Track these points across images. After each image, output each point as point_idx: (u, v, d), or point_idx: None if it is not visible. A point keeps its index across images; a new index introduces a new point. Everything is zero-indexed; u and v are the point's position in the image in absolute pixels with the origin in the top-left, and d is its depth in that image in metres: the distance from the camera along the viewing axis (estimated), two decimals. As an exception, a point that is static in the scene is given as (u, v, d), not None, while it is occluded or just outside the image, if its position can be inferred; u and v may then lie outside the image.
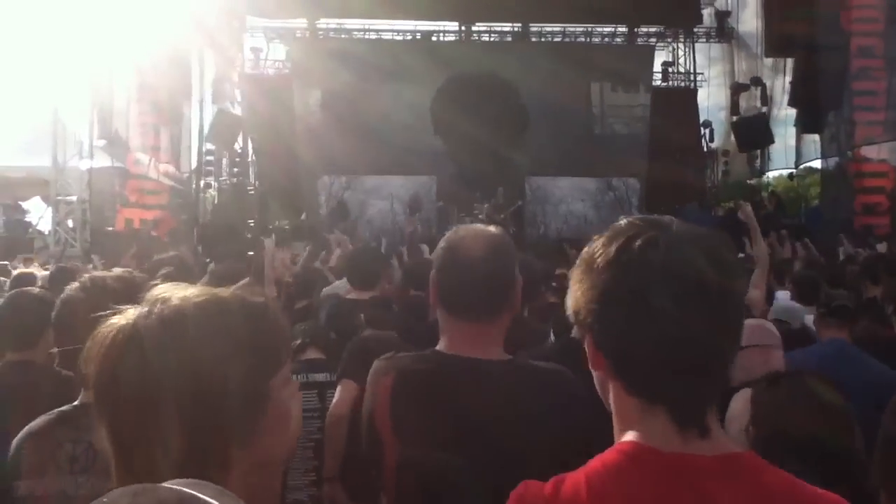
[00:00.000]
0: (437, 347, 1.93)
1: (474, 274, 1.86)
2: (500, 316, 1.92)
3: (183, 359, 1.07)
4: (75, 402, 2.02)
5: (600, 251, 1.14)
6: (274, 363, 1.16)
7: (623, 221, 1.18)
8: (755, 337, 2.93)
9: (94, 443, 1.92)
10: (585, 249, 1.19)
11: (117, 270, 2.34)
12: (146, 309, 1.12)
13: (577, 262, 1.20)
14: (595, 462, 1.15)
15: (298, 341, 3.93)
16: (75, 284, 2.07)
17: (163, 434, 1.06)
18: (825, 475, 1.82)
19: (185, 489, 0.73)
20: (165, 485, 0.74)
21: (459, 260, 1.89)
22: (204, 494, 0.73)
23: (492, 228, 1.99)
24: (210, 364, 1.08)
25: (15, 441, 2.01)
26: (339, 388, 3.61)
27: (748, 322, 3.37)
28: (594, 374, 1.23)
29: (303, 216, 18.11)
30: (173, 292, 1.14)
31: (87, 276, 2.14)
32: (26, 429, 2.02)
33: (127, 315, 1.13)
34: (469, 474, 1.73)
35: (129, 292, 1.98)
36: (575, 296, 1.18)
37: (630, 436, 1.14)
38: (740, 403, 2.60)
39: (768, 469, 1.13)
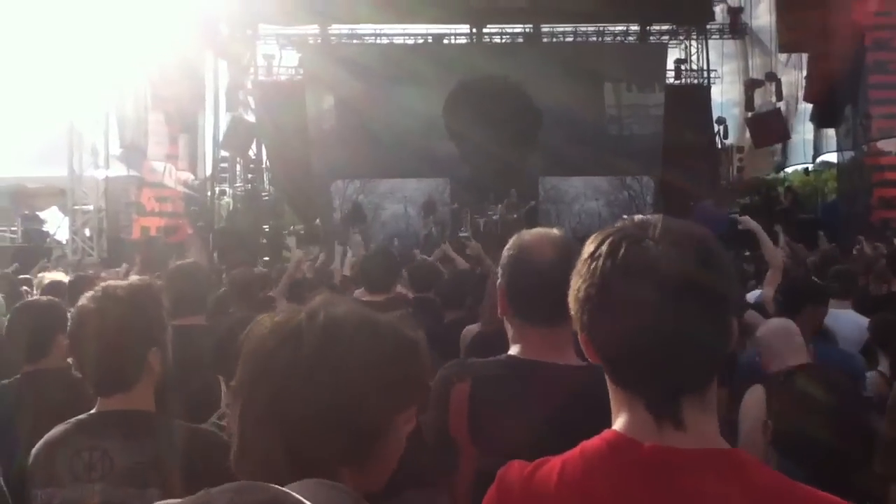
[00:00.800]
0: (512, 353, 1.91)
1: (546, 279, 1.82)
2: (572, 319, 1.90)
3: (330, 369, 1.11)
4: (92, 411, 2.02)
5: (588, 249, 1.20)
6: (407, 400, 1.19)
7: (618, 222, 1.22)
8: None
9: (109, 450, 1.94)
10: (583, 254, 1.23)
11: (133, 279, 2.36)
12: (311, 312, 1.16)
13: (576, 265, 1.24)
14: (577, 448, 1.19)
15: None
16: (88, 294, 2.09)
17: (283, 431, 1.09)
18: (838, 470, 1.81)
19: (284, 490, 0.75)
20: (275, 486, 0.76)
21: (529, 265, 1.87)
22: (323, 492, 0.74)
23: (555, 231, 1.97)
24: (352, 383, 1.11)
25: (34, 450, 2.02)
26: None
27: (772, 321, 3.36)
28: None
29: (317, 221, 18.18)
30: (336, 303, 1.18)
31: (100, 285, 2.15)
32: (45, 438, 2.03)
33: (294, 312, 1.17)
34: None
35: (138, 300, 2.00)
36: (571, 292, 1.22)
37: (616, 425, 1.19)
38: (754, 397, 2.60)
39: (751, 464, 1.14)
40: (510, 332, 1.94)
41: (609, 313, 1.15)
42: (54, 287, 5.68)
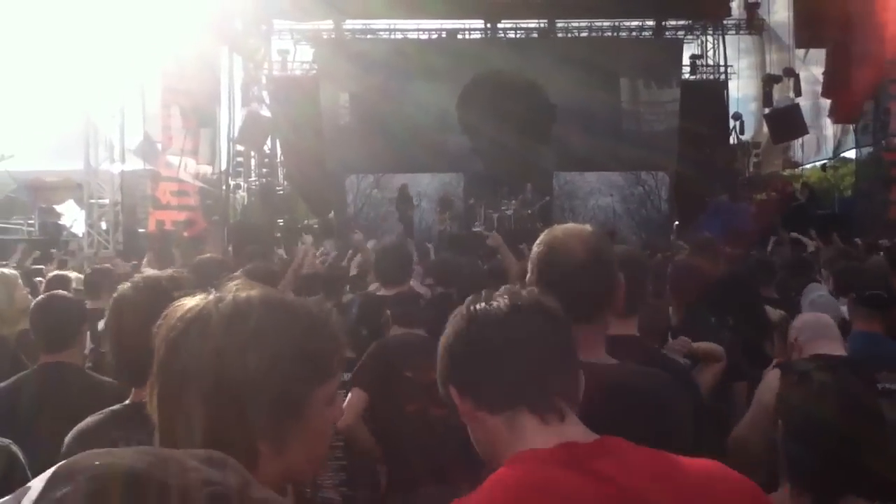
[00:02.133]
0: None
1: (579, 276, 1.81)
2: (604, 317, 1.88)
3: (238, 345, 1.11)
4: (126, 402, 2.04)
5: (449, 324, 1.46)
6: (320, 374, 1.19)
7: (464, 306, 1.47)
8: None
9: (143, 442, 1.95)
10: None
11: (167, 271, 2.36)
12: (220, 295, 1.18)
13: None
14: (479, 491, 1.24)
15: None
16: (128, 283, 2.11)
17: (198, 411, 1.10)
18: (852, 474, 1.79)
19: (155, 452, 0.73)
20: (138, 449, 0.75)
21: (562, 262, 1.85)
22: (207, 465, 0.73)
23: (587, 227, 1.94)
24: (259, 357, 1.12)
25: (67, 440, 2.03)
26: (348, 396, 3.53)
27: (804, 316, 3.34)
28: (470, 432, 1.39)
29: (331, 215, 18.21)
30: (249, 287, 1.20)
31: (139, 275, 2.16)
32: (78, 428, 2.03)
33: (202, 297, 1.18)
34: None
35: (178, 291, 2.00)
36: (439, 364, 1.42)
37: (510, 454, 1.28)
38: (768, 381, 2.63)
39: (637, 447, 1.29)
40: None
41: (478, 354, 1.36)
42: (59, 281, 5.74)
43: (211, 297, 1.18)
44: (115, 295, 2.08)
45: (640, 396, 1.78)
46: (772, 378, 2.80)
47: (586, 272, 1.82)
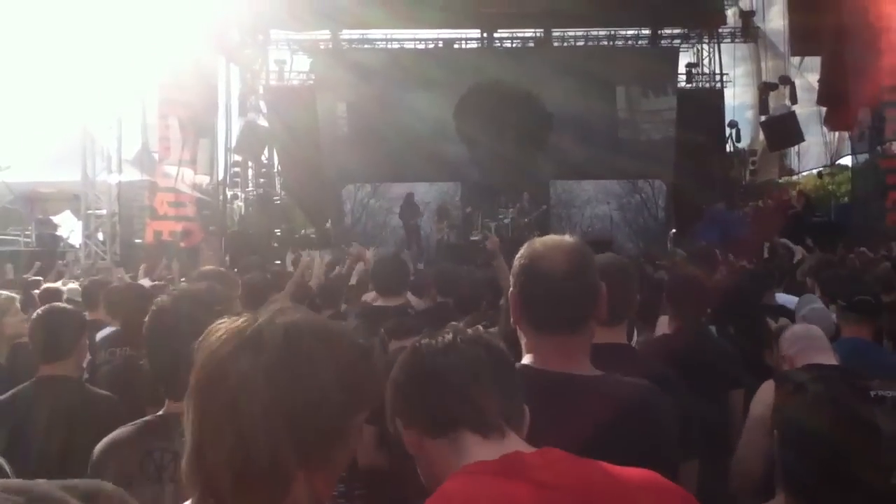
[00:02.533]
0: (524, 362, 1.89)
1: (559, 288, 1.82)
2: (588, 327, 1.89)
3: (291, 373, 1.12)
4: (160, 412, 2.04)
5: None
6: (362, 404, 1.21)
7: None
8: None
9: (180, 453, 1.95)
10: None
11: (203, 284, 2.36)
12: (267, 318, 1.17)
13: None
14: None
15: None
16: (165, 296, 2.12)
17: (242, 434, 1.10)
18: (847, 484, 1.79)
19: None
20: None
21: (542, 274, 1.85)
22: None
23: (568, 238, 1.94)
24: (310, 386, 1.13)
25: (98, 451, 2.02)
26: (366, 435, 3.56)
27: (794, 328, 3.34)
28: (418, 462, 1.45)
29: (328, 224, 18.21)
30: (293, 311, 1.21)
31: (177, 287, 2.17)
32: (110, 439, 2.04)
33: (249, 317, 1.18)
34: None
35: (216, 302, 1.99)
36: (389, 405, 1.47)
37: (453, 473, 1.31)
38: (762, 393, 2.63)
39: (575, 458, 1.35)
40: (523, 340, 1.92)
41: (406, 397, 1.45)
42: (51, 294, 5.74)
43: (258, 319, 1.17)
44: (153, 307, 2.09)
45: (624, 408, 1.78)
46: (765, 390, 2.80)
47: (567, 284, 1.83)
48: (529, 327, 1.90)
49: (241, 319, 1.18)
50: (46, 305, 3.59)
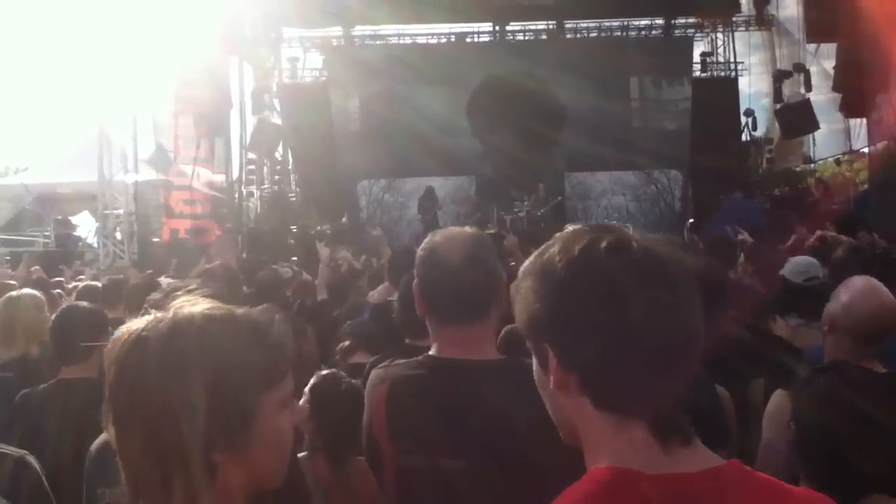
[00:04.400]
0: (430, 353, 1.93)
1: (455, 278, 1.86)
2: (488, 316, 1.92)
3: (178, 363, 1.14)
4: None
5: (559, 258, 1.06)
6: (266, 380, 1.21)
7: (570, 229, 1.12)
8: None
9: None
10: (534, 258, 1.12)
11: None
12: (160, 315, 1.20)
13: (526, 272, 1.12)
14: (564, 499, 1.03)
15: (346, 343, 3.96)
16: (157, 293, 2.15)
17: (147, 430, 1.13)
18: (863, 475, 1.77)
19: None
20: None
21: (439, 266, 1.89)
22: None
23: (467, 229, 1.99)
24: (201, 371, 1.14)
25: (95, 449, 2.04)
26: None
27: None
28: (546, 395, 1.16)
29: (343, 220, 18.24)
30: (191, 303, 1.23)
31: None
32: (105, 437, 2.05)
33: (142, 320, 1.21)
34: (468, 478, 1.70)
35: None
36: (530, 307, 1.09)
37: (604, 460, 1.04)
38: (779, 398, 2.54)
39: (750, 478, 1.06)
40: (430, 331, 1.95)
41: (604, 328, 1.02)
42: (90, 291, 5.77)
43: (152, 316, 1.20)
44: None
45: (527, 391, 1.79)
46: (779, 398, 2.69)
47: (463, 274, 1.86)
48: (432, 318, 1.93)
49: (140, 320, 1.21)
50: (66, 306, 3.62)
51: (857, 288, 2.74)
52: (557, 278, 1.05)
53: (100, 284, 6.34)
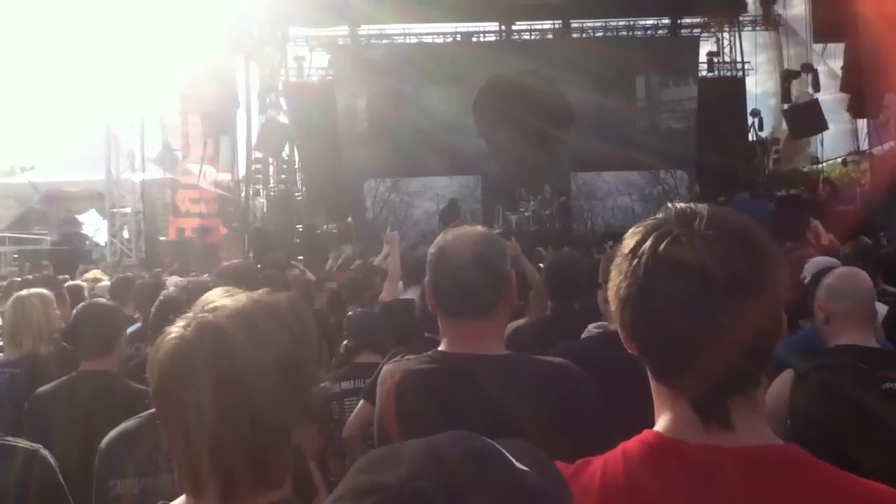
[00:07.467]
0: (440, 348, 1.99)
1: (464, 276, 1.91)
2: (497, 312, 1.97)
3: (264, 345, 1.15)
4: None
5: (628, 244, 1.15)
6: (315, 356, 1.30)
7: (661, 212, 1.17)
8: None
9: None
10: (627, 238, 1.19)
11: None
12: (194, 319, 1.18)
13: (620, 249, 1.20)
14: (617, 450, 1.16)
15: (347, 342, 3.97)
16: (171, 288, 2.16)
17: (250, 417, 1.13)
18: (855, 468, 1.78)
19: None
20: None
21: (449, 264, 1.95)
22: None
23: (478, 228, 2.05)
24: (275, 358, 1.16)
25: (106, 443, 2.06)
26: (356, 407, 3.69)
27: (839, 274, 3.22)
28: None
29: (349, 219, 18.27)
30: (221, 302, 1.21)
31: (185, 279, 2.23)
32: (118, 431, 2.08)
33: (180, 324, 1.19)
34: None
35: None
36: (611, 289, 1.18)
37: (658, 424, 1.15)
38: (778, 386, 2.55)
39: (800, 462, 1.09)
40: (441, 328, 2.02)
41: (639, 317, 1.11)
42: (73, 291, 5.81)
43: (188, 321, 1.19)
44: (160, 298, 2.12)
45: (529, 384, 1.87)
46: (782, 383, 2.69)
47: (472, 272, 1.91)
48: (443, 315, 2.00)
49: (177, 324, 1.19)
50: (88, 301, 3.65)
51: (838, 272, 2.86)
52: (623, 262, 1.15)
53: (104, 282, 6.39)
